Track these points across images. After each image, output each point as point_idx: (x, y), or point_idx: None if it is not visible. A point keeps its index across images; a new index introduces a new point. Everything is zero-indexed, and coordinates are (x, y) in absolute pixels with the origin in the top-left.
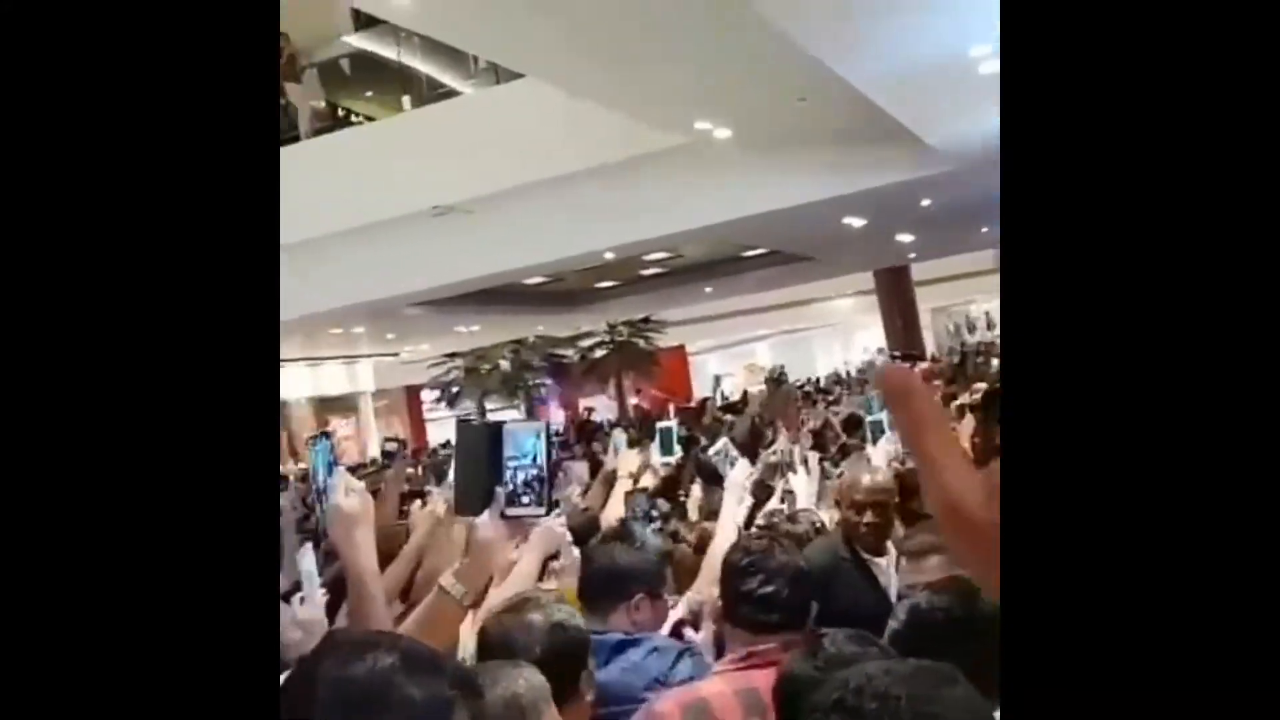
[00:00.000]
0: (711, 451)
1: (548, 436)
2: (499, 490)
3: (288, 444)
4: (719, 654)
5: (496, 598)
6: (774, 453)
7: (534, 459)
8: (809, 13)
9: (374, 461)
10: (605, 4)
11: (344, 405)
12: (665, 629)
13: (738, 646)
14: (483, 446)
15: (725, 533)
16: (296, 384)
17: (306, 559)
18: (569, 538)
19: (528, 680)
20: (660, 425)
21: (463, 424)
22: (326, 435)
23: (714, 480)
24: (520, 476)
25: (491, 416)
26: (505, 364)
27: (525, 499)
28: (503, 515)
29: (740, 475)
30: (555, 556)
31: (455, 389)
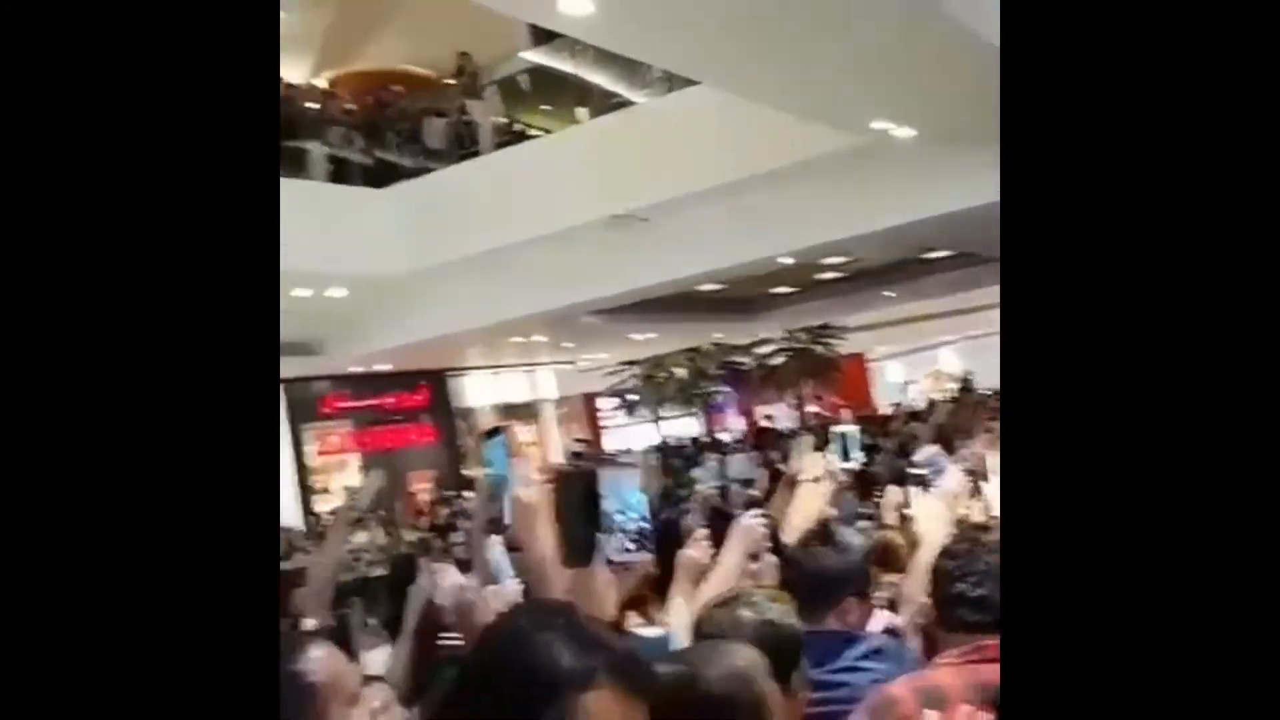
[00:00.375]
0: (919, 458)
1: (662, 479)
2: (603, 539)
3: (474, 450)
4: (929, 654)
5: (705, 594)
6: (965, 460)
7: (640, 515)
8: (996, 9)
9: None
10: (778, 7)
11: (526, 412)
12: (877, 628)
13: (951, 646)
14: (584, 496)
15: (935, 538)
16: (479, 392)
17: (495, 551)
18: (767, 537)
19: (746, 655)
20: (840, 430)
21: (562, 474)
22: (501, 430)
23: (912, 485)
24: (623, 526)
25: (667, 424)
26: (681, 372)
27: (630, 547)
28: (609, 560)
29: (954, 483)
30: (755, 557)
31: (632, 397)
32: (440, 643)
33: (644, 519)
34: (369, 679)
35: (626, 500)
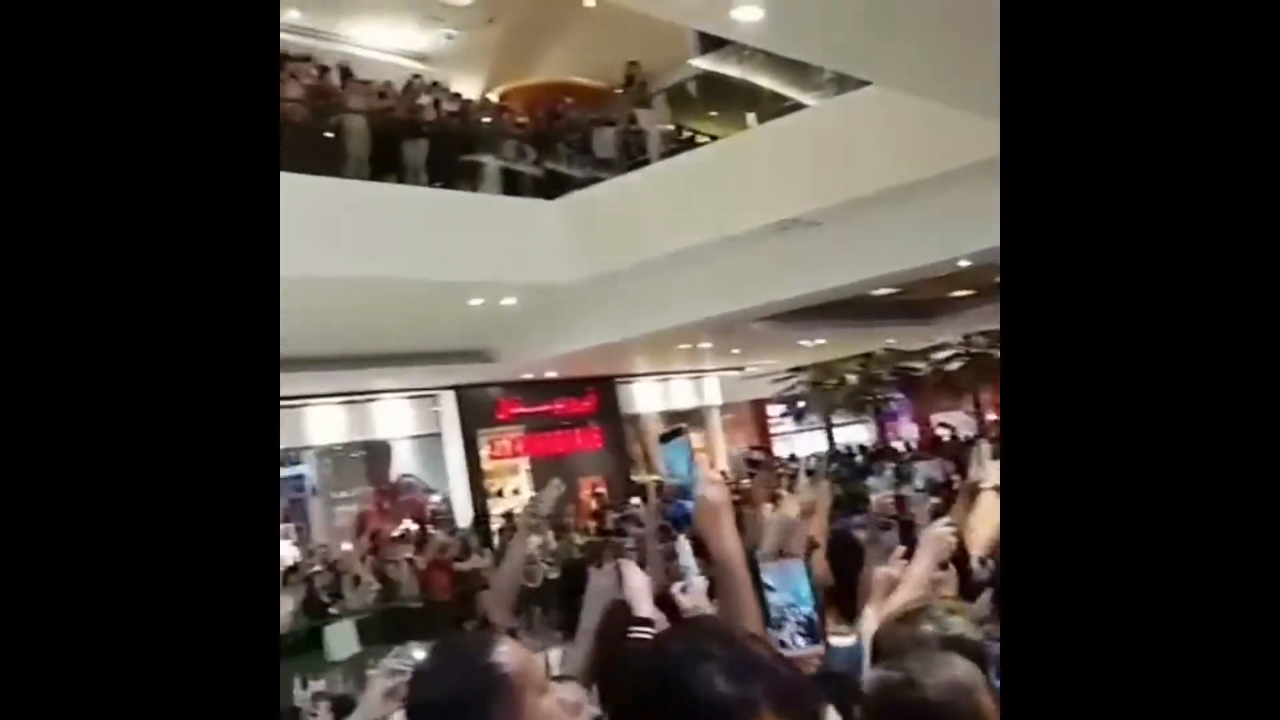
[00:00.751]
0: None
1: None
2: (769, 632)
3: (642, 456)
4: None
5: (894, 604)
6: None
7: (805, 600)
8: None
9: (722, 474)
10: (953, 4)
11: (692, 419)
12: None
13: None
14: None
15: None
16: (648, 398)
17: (685, 553)
18: (955, 547)
19: (965, 667)
20: None
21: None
22: (681, 431)
23: None
24: (793, 618)
25: (839, 431)
26: (853, 378)
27: (800, 640)
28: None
29: None
30: (943, 566)
31: (801, 403)
32: (630, 637)
33: (813, 610)
34: (559, 678)
35: (796, 592)
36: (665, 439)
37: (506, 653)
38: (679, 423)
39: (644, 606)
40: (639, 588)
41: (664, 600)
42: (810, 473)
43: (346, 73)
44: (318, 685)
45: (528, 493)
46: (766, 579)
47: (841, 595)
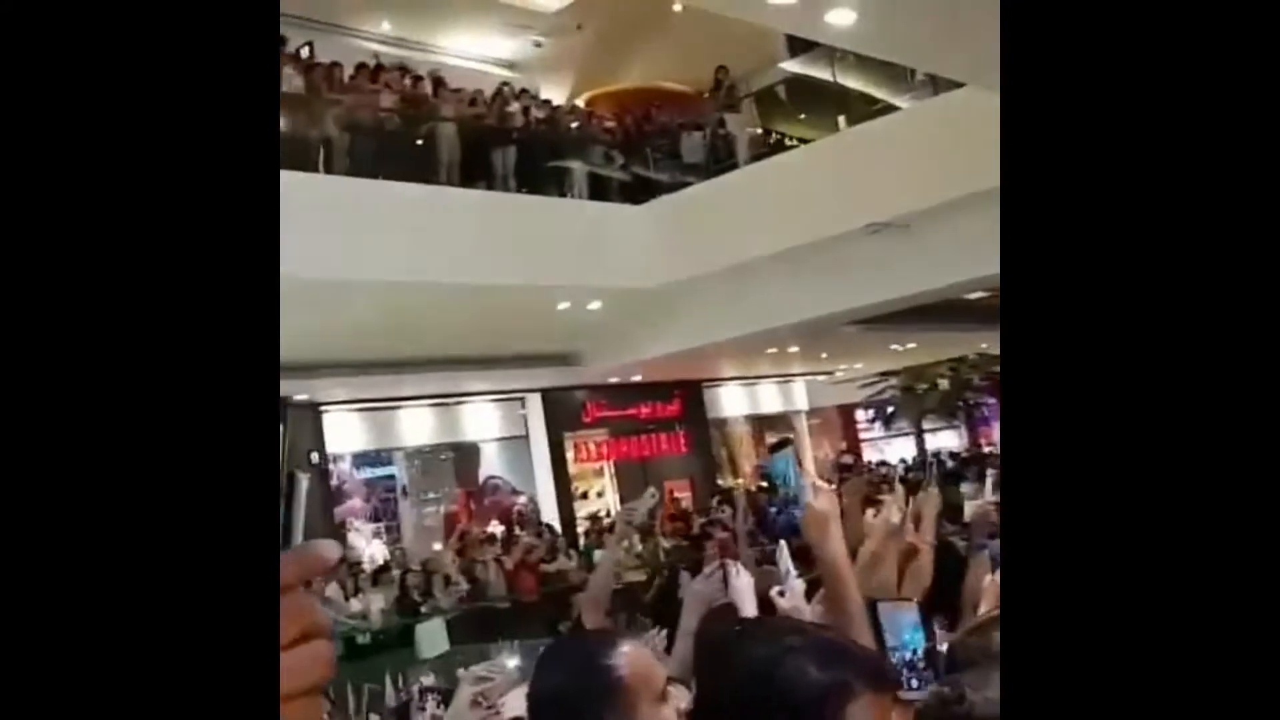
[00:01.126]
0: None
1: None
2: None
3: (728, 461)
4: None
5: (981, 611)
6: None
7: (916, 648)
8: None
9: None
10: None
11: (780, 424)
12: None
13: None
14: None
15: None
16: (734, 403)
17: (784, 557)
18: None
19: None
20: None
21: None
22: (788, 442)
23: None
24: (903, 658)
25: (930, 436)
26: (944, 383)
27: (914, 683)
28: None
29: None
30: None
31: (890, 408)
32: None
33: (921, 656)
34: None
35: (901, 637)
36: (774, 449)
37: (626, 655)
38: (766, 428)
39: (749, 607)
40: (744, 589)
41: (763, 602)
42: (903, 479)
43: (438, 81)
44: (427, 680)
45: (612, 496)
46: (881, 619)
47: (943, 605)
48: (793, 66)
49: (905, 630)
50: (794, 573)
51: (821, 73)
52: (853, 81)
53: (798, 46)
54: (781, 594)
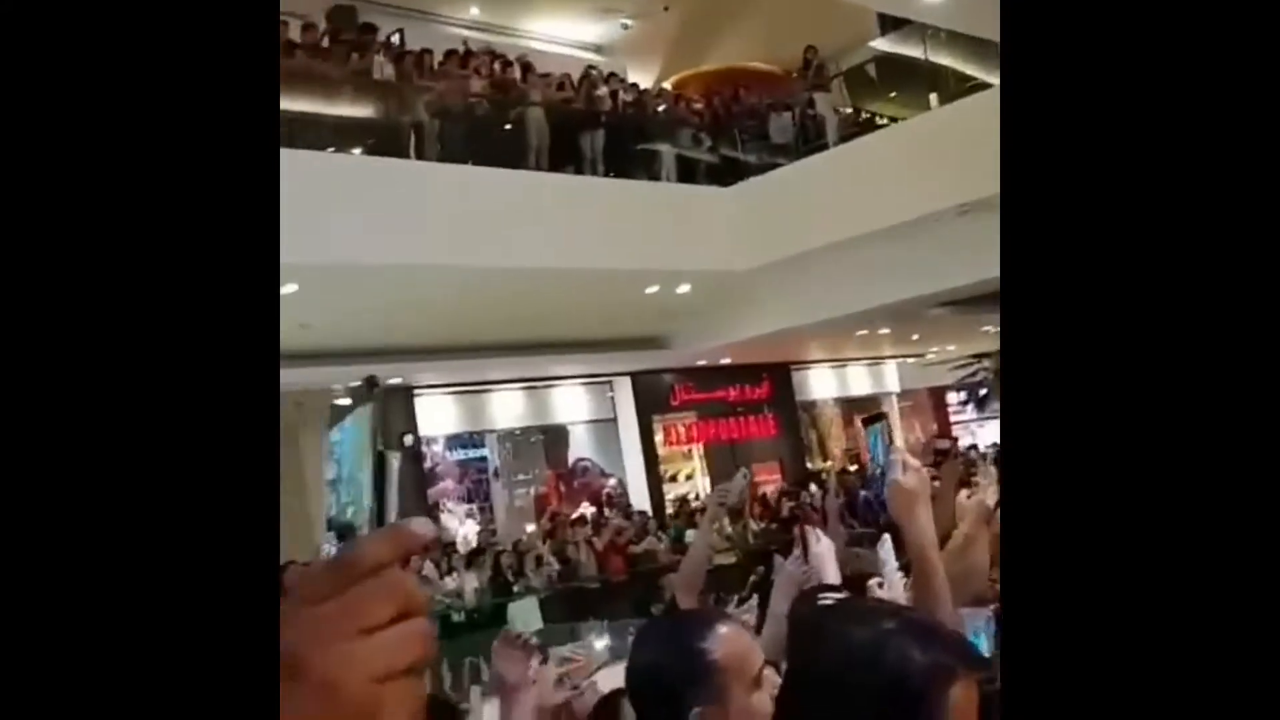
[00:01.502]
0: None
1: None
2: None
3: (818, 444)
4: None
5: None
6: None
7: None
8: None
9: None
10: None
11: (870, 406)
12: None
13: None
14: None
15: None
16: (824, 385)
17: (885, 548)
18: None
19: None
20: None
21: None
22: (882, 417)
23: None
24: None
25: None
26: None
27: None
28: None
29: None
30: None
31: (983, 390)
32: (817, 608)
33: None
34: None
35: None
36: (867, 423)
37: (723, 637)
38: (856, 410)
39: (830, 573)
40: (824, 553)
41: (857, 589)
42: (998, 463)
43: (526, 66)
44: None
45: (701, 479)
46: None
47: None
48: (883, 45)
49: (973, 635)
50: (895, 564)
51: (913, 50)
52: (944, 59)
53: (888, 24)
54: (880, 585)
